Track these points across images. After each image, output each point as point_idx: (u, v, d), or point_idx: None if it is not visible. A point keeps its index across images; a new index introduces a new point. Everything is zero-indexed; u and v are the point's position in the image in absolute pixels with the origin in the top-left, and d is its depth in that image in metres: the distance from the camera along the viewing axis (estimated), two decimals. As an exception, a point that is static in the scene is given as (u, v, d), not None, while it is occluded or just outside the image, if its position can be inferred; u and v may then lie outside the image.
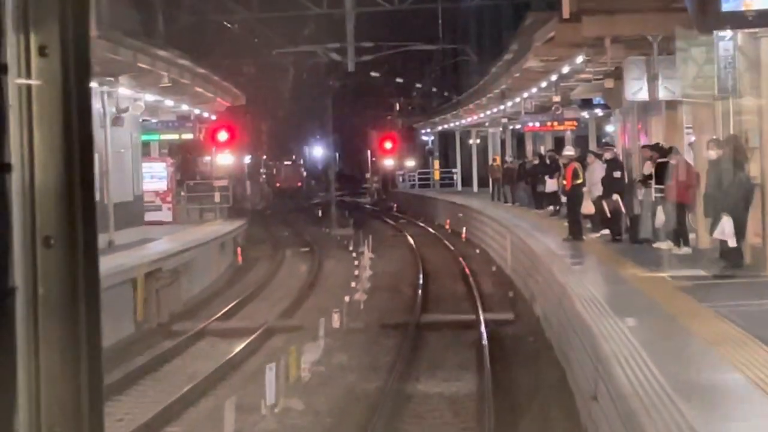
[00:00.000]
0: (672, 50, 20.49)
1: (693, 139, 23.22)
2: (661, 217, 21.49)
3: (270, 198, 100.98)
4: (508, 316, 23.00)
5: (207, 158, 47.49)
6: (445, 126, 66.35)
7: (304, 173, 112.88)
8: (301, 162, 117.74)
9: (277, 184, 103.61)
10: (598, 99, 33.28)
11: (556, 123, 39.43)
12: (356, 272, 30.02)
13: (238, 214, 63.84)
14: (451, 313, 24.25)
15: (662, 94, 22.88)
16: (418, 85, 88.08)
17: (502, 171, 43.77)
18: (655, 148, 22.85)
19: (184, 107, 37.71)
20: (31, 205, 2.07)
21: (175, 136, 41.94)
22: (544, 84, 31.07)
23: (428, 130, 76.61)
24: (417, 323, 22.44)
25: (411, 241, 42.94)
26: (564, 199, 29.47)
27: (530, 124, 39.24)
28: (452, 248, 39.54)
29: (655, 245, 22.00)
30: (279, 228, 55.58)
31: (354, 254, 35.71)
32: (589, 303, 15.57)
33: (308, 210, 71.68)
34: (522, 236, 27.77)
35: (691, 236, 21.82)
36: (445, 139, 77.72)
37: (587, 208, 24.82)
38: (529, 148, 50.12)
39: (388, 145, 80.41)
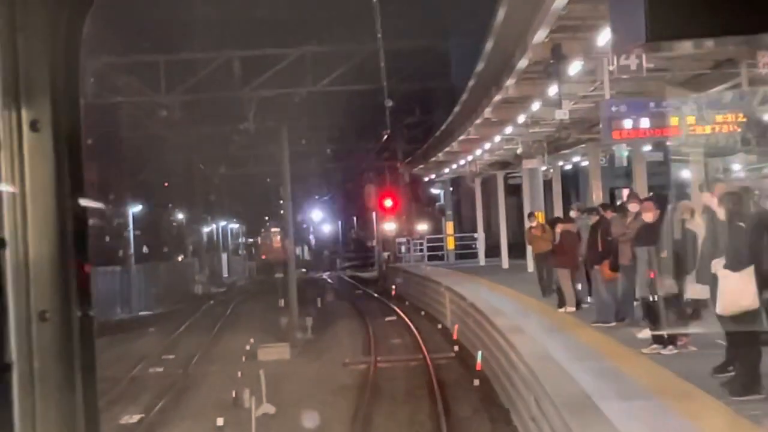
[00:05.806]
0: None
1: None
2: None
3: (252, 273, 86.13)
4: None
5: None
6: (456, 166, 43.24)
7: (311, 241, 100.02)
8: (303, 227, 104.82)
9: (263, 257, 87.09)
10: None
11: (694, 121, 16.00)
12: None
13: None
14: None
15: None
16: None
17: (558, 239, 20.43)
18: None
19: None
20: (25, 280, 2.07)
21: None
22: None
23: (433, 177, 53.25)
24: None
25: (375, 384, 21.20)
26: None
27: (626, 125, 16.27)
28: (445, 408, 17.43)
29: None
30: (186, 336, 36.39)
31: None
32: None
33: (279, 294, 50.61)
34: None
35: None
36: (462, 189, 53.43)
37: None
38: (597, 193, 27.76)
39: (388, 203, 58.86)
